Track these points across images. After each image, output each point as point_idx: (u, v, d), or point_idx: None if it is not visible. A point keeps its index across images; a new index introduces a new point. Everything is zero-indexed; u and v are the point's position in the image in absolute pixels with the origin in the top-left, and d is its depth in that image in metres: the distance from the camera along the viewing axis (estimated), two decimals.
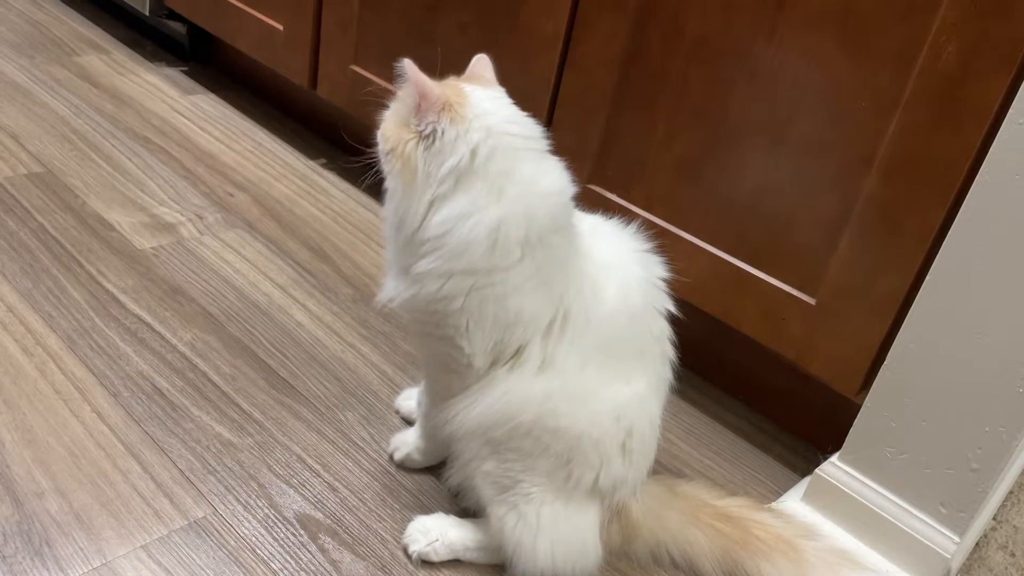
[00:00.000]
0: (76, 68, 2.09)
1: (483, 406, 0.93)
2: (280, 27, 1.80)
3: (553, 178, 0.91)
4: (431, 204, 0.87)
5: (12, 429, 1.09)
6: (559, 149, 0.94)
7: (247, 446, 1.14)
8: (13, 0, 2.39)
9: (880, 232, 1.06)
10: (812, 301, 1.15)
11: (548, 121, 1.37)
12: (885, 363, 1.05)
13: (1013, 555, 1.19)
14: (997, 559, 1.18)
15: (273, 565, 0.99)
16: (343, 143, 1.95)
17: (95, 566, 0.95)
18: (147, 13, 2.15)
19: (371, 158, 0.93)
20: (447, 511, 1.07)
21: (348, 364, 1.32)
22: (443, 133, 0.86)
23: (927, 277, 0.99)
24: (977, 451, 1.00)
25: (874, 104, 1.04)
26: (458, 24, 1.47)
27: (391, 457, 1.15)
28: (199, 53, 2.25)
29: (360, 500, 1.09)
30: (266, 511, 1.05)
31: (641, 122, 1.26)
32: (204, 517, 1.03)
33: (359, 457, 1.15)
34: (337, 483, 1.11)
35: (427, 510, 1.08)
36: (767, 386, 1.37)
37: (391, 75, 0.92)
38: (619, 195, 1.32)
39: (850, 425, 1.10)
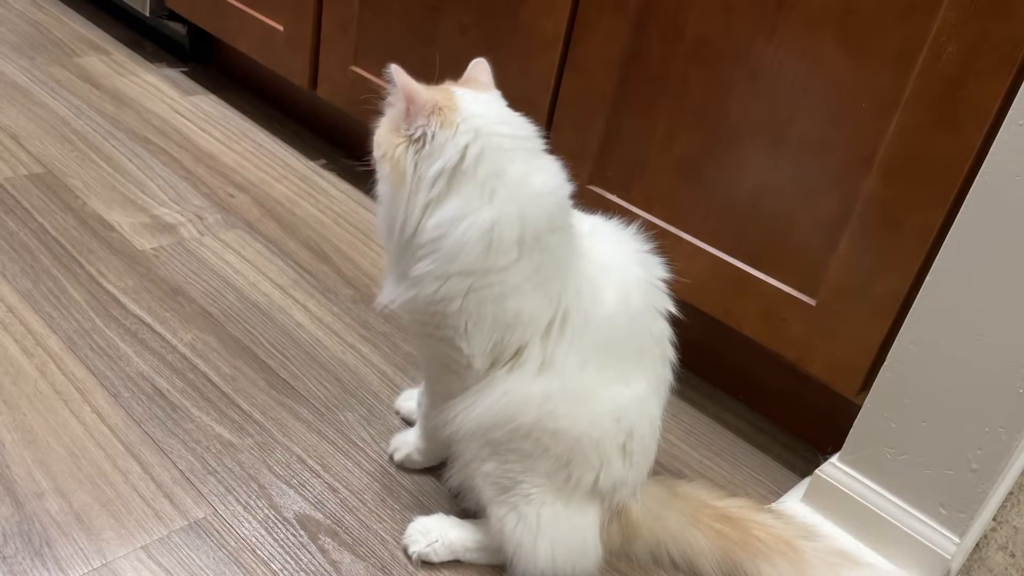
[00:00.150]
0: (76, 69, 2.09)
1: (483, 407, 0.93)
2: (280, 28, 1.80)
3: (547, 177, 0.90)
4: (426, 208, 0.87)
5: (12, 429, 1.09)
6: (559, 150, 0.94)
7: (247, 447, 1.14)
8: (13, 0, 2.39)
9: (880, 232, 1.06)
10: (812, 302, 1.15)
11: (548, 122, 1.37)
12: (885, 364, 1.05)
13: (1013, 556, 1.19)
14: (997, 560, 1.18)
15: (273, 566, 0.99)
16: (343, 144, 1.95)
17: (95, 566, 0.95)
18: (147, 14, 2.15)
19: (372, 163, 0.94)
20: (447, 512, 1.07)
21: (348, 365, 1.32)
22: (433, 136, 0.86)
23: (927, 277, 0.99)
24: (977, 452, 1.00)
25: (874, 104, 1.04)
26: (458, 25, 1.47)
27: (391, 458, 1.15)
28: (199, 54, 2.26)
29: (360, 501, 1.09)
30: (266, 512, 1.05)
31: (641, 123, 1.26)
32: (204, 518, 1.03)
33: (359, 458, 1.15)
34: (337, 484, 1.11)
35: (427, 511, 1.08)
36: (767, 387, 1.37)
37: None
38: (619, 196, 1.32)
39: (850, 426, 1.10)
